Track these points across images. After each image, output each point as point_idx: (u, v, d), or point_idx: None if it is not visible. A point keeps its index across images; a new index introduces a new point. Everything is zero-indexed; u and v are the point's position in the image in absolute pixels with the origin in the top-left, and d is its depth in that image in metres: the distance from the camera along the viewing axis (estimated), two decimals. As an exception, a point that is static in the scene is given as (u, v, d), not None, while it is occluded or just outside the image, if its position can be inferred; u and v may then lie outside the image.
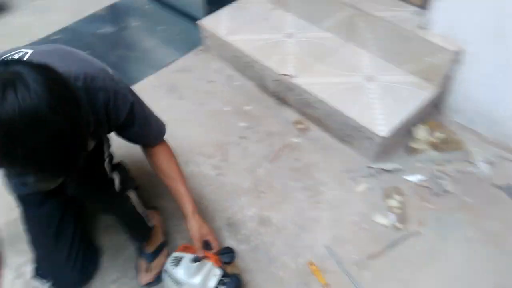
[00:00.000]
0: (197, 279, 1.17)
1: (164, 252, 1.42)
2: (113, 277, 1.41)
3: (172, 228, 1.53)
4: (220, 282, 1.19)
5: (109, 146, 1.24)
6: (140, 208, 1.36)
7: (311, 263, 1.41)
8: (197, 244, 1.20)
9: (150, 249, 1.39)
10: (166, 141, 1.25)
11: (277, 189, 1.66)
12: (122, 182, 1.24)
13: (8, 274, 1.38)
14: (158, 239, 1.43)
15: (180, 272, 1.19)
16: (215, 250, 1.24)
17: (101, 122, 1.00)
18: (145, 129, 1.16)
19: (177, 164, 1.25)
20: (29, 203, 1.29)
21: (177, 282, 1.19)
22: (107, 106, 0.99)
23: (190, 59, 2.28)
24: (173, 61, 2.27)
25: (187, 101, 2.05)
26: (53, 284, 1.33)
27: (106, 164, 1.19)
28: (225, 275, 1.20)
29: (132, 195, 1.34)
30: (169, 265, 1.23)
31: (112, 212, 1.34)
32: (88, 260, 1.38)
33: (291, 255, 1.45)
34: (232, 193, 1.65)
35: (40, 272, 1.34)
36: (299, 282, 1.38)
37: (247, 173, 1.72)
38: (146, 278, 1.36)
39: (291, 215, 1.57)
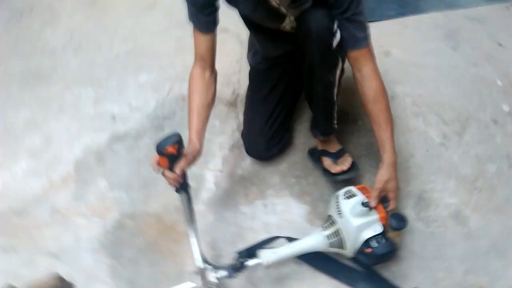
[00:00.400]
0: (356, 222, 1.16)
1: (348, 155, 1.44)
2: (292, 180, 1.53)
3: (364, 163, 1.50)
4: (375, 239, 1.14)
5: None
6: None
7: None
8: (375, 193, 1.16)
9: (332, 149, 1.43)
10: (371, 53, 1.18)
11: (498, 195, 1.38)
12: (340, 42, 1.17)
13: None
14: (337, 144, 1.45)
15: (347, 206, 1.19)
16: (389, 208, 1.18)
17: None
18: (352, 27, 1.12)
19: (386, 102, 1.18)
20: (255, 73, 1.54)
21: (339, 211, 1.20)
22: None
23: (490, 11, 1.91)
24: (470, 6, 1.95)
25: (459, 54, 1.79)
26: (246, 150, 1.55)
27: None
28: (383, 235, 1.15)
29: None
30: (341, 194, 1.23)
31: (315, 84, 1.28)
32: (280, 136, 1.51)
33: (463, 267, 1.25)
34: (444, 171, 1.47)
35: None
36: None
37: (473, 161, 1.47)
38: (337, 168, 1.40)
39: (495, 230, 1.31)
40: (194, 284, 1.15)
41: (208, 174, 1.59)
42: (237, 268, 1.17)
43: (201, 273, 1.15)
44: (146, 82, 1.99)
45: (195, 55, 1.26)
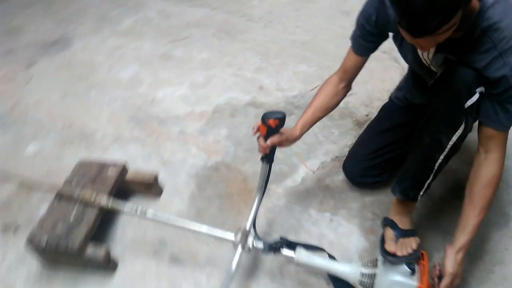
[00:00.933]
0: (393, 276, 1.15)
1: (416, 238, 1.27)
2: (369, 215, 1.53)
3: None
4: None
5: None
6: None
7: None
8: (446, 279, 1.12)
9: (401, 225, 1.30)
10: (506, 139, 1.10)
11: None
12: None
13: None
14: (410, 222, 1.32)
15: (397, 269, 1.17)
16: (442, 285, 1.13)
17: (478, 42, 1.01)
18: (498, 109, 1.06)
19: (493, 191, 1.10)
20: (389, 106, 1.59)
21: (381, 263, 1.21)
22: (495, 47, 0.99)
23: None
24: None
25: None
26: (343, 166, 1.60)
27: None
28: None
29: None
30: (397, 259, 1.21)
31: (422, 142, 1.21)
32: (378, 171, 1.51)
33: None
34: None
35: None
36: None
37: None
38: (392, 248, 1.24)
39: None
40: (233, 239, 1.31)
41: (302, 169, 1.72)
42: (272, 248, 1.29)
43: (244, 234, 1.30)
44: (301, 73, 2.20)
45: (341, 65, 1.38)
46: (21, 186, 1.70)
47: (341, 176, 1.65)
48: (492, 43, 1.00)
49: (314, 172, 1.70)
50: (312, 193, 1.63)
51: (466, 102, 1.06)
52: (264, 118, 1.20)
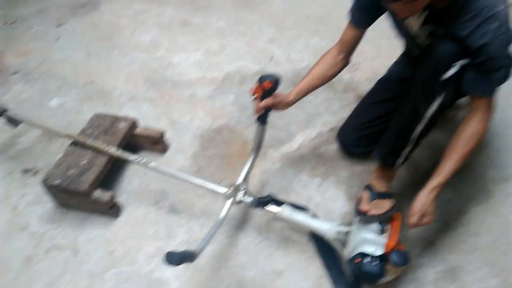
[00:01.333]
0: (364, 233, 1.24)
1: (390, 200, 1.33)
2: (356, 183, 1.60)
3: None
4: (370, 256, 1.20)
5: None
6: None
7: None
8: (411, 218, 1.21)
9: (379, 188, 1.38)
10: (492, 103, 1.16)
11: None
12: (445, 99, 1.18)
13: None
14: (387, 187, 1.40)
15: (369, 227, 1.26)
16: (410, 222, 1.22)
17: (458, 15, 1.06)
18: (480, 78, 1.11)
19: (474, 145, 1.17)
20: (385, 78, 1.65)
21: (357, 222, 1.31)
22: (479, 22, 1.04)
23: None
24: None
25: None
26: (337, 135, 1.68)
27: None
28: (379, 260, 1.20)
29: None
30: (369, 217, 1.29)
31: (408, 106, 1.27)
32: (370, 141, 1.54)
33: None
34: (498, 268, 1.35)
35: None
36: None
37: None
38: (365, 207, 1.33)
39: None
40: (224, 192, 1.42)
41: (299, 136, 1.81)
42: (260, 203, 1.40)
43: (235, 188, 1.42)
44: (312, 46, 2.26)
45: (340, 38, 1.44)
46: (43, 134, 1.87)
47: (335, 146, 1.74)
48: (475, 11, 1.05)
49: (310, 140, 1.79)
50: (306, 159, 1.72)
51: (442, 75, 1.11)
52: (260, 80, 1.29)
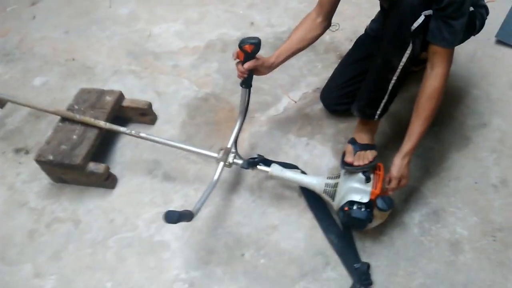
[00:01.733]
0: (350, 183, 1.31)
1: (373, 152, 1.39)
2: (341, 139, 1.66)
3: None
4: (358, 204, 1.27)
5: None
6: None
7: None
8: (390, 183, 1.29)
9: (360, 140, 1.42)
10: (450, 58, 1.21)
11: (508, 255, 1.33)
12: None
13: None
14: (370, 139, 1.44)
15: (355, 178, 1.32)
16: (388, 188, 1.30)
17: None
18: (442, 25, 1.15)
19: (436, 104, 1.23)
20: (363, 37, 1.70)
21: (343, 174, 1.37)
22: None
23: None
24: None
25: None
26: (320, 96, 1.74)
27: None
28: (366, 206, 1.27)
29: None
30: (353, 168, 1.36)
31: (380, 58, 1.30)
32: (351, 99, 1.52)
33: (423, 281, 1.30)
34: (476, 206, 1.45)
35: None
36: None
37: (510, 214, 1.41)
38: (350, 159, 1.38)
39: (479, 275, 1.30)
40: (216, 155, 1.47)
41: (284, 99, 1.85)
42: (250, 164, 1.45)
43: (226, 151, 1.47)
44: (291, 9, 2.27)
45: (318, 1, 1.45)
46: (30, 113, 1.88)
47: (320, 106, 1.79)
48: None
49: (295, 102, 1.84)
50: (292, 121, 1.77)
51: (412, 24, 1.15)
52: (241, 44, 1.31)
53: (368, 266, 1.33)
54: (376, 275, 1.33)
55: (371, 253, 1.38)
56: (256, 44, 1.30)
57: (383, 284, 1.31)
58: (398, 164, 1.28)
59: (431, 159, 1.58)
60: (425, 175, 1.54)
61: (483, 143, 1.62)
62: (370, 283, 1.30)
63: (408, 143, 1.27)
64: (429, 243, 1.39)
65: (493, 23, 1.79)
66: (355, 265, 1.33)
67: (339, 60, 1.94)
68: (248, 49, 1.31)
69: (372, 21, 1.67)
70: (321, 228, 1.44)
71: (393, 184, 1.29)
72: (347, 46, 2.01)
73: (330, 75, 1.81)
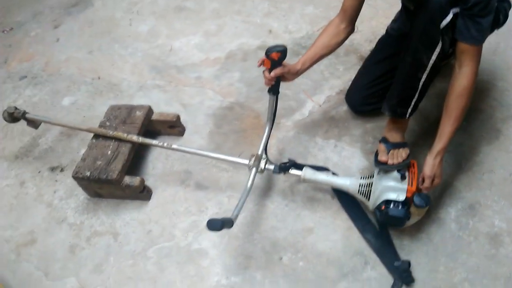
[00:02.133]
0: (385, 182, 1.32)
1: (406, 149, 1.40)
2: (369, 139, 1.68)
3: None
4: (394, 202, 1.28)
5: None
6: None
7: None
8: (424, 183, 1.30)
9: (392, 139, 1.44)
10: (479, 55, 1.21)
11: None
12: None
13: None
14: (401, 137, 1.46)
15: (390, 176, 1.33)
16: (422, 188, 1.30)
17: None
18: (469, 23, 1.15)
19: (466, 102, 1.23)
20: (385, 37, 1.72)
21: (377, 174, 1.38)
22: None
23: None
24: None
25: None
26: (345, 97, 1.77)
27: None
28: (403, 204, 1.27)
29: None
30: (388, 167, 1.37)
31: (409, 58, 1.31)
32: (376, 99, 1.61)
33: (465, 276, 1.30)
34: (517, 201, 1.44)
35: None
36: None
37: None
38: (384, 157, 1.41)
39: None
40: (248, 162, 1.50)
41: (309, 103, 1.87)
42: (282, 168, 1.47)
43: (257, 158, 1.49)
44: (308, 15, 2.30)
45: (341, 7, 1.47)
46: (62, 133, 1.94)
47: (345, 107, 1.80)
48: None
49: (320, 106, 1.85)
50: (318, 124, 1.79)
51: (441, 22, 1.17)
52: (268, 52, 1.34)
53: (409, 263, 1.32)
54: (417, 272, 1.33)
55: (410, 250, 1.38)
56: (283, 51, 1.33)
57: (425, 281, 1.31)
58: (430, 163, 1.28)
59: (462, 154, 1.57)
60: (458, 170, 1.53)
61: (514, 135, 1.61)
62: (412, 280, 1.30)
63: (440, 143, 1.27)
64: (467, 237, 1.38)
65: (513, 14, 1.79)
66: (395, 263, 1.33)
67: (360, 62, 1.97)
68: (275, 57, 1.33)
69: (393, 21, 1.68)
70: (357, 229, 1.45)
71: (427, 183, 1.29)
72: (367, 47, 2.04)
73: (352, 77, 1.82)
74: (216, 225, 1.15)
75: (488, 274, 1.30)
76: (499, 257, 1.33)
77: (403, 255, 1.36)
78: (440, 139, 1.28)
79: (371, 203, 1.37)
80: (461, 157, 1.56)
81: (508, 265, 1.31)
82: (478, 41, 1.20)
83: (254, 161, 1.48)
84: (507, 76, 1.80)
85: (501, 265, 1.31)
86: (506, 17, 1.44)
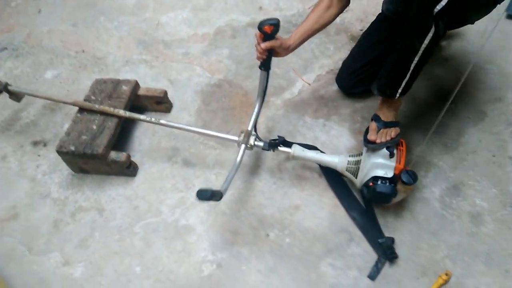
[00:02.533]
0: (374, 159, 1.33)
1: (396, 129, 1.40)
2: (358, 118, 1.69)
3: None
4: (382, 179, 1.29)
5: None
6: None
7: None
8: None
9: (384, 118, 1.43)
10: None
11: (530, 226, 1.36)
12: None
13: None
14: (393, 116, 1.45)
15: (378, 153, 1.35)
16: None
17: None
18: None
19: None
20: (380, 18, 1.68)
21: (365, 151, 1.39)
22: None
23: None
24: None
25: None
26: (336, 77, 1.75)
27: None
28: (390, 181, 1.29)
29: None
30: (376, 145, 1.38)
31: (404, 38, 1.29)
32: (368, 81, 1.56)
33: (446, 253, 1.33)
34: (494, 178, 1.47)
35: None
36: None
37: None
38: (373, 137, 1.42)
39: (501, 245, 1.33)
40: (237, 139, 1.49)
41: (299, 82, 1.86)
42: (271, 145, 1.47)
43: (246, 134, 1.48)
44: (299, -8, 2.26)
45: None
46: (45, 106, 1.88)
47: (334, 87, 1.80)
48: None
49: (310, 84, 1.85)
50: (307, 103, 1.78)
51: (434, 7, 1.14)
52: (260, 25, 1.31)
53: (392, 240, 1.35)
54: (400, 249, 1.35)
55: (394, 228, 1.41)
56: (275, 24, 1.30)
57: (408, 257, 1.34)
58: None
59: (448, 134, 1.60)
60: (443, 150, 1.56)
61: (498, 117, 1.64)
62: (396, 256, 1.33)
63: None
64: (450, 216, 1.41)
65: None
66: (379, 240, 1.36)
67: (351, 41, 1.96)
68: (268, 30, 1.31)
69: (389, 1, 1.66)
70: (343, 206, 1.47)
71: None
72: (358, 26, 2.02)
73: (343, 57, 1.81)
74: (205, 194, 1.14)
75: (469, 252, 1.34)
76: (480, 235, 1.37)
77: (387, 233, 1.39)
78: None
79: (359, 180, 1.38)
80: (446, 137, 1.58)
81: (488, 243, 1.35)
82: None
83: (244, 137, 1.47)
84: (494, 59, 1.82)
85: (481, 243, 1.35)
86: None
